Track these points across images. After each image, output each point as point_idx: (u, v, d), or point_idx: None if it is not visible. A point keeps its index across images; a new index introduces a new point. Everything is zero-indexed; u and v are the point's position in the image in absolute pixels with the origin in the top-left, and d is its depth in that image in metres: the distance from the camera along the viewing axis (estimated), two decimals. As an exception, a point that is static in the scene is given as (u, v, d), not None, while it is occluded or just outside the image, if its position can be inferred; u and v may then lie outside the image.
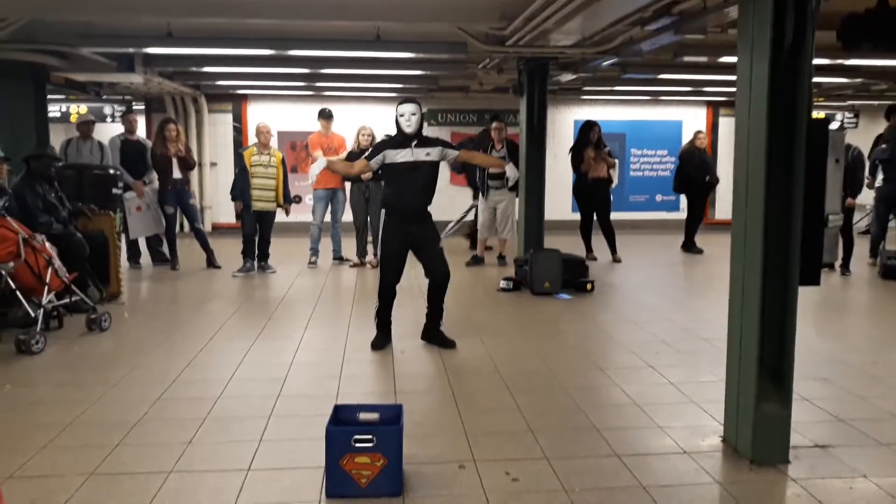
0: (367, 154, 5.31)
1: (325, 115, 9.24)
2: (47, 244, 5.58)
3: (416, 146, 5.13)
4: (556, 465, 3.33)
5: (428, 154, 5.15)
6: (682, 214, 13.09)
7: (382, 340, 5.28)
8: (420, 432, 3.68)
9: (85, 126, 8.82)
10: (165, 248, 9.12)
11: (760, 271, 3.26)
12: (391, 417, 3.23)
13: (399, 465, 3.03)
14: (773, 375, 3.36)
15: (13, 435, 3.61)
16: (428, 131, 12.28)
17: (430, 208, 5.28)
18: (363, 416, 3.25)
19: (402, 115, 5.12)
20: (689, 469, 3.32)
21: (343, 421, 3.20)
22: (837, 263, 8.05)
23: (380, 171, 5.40)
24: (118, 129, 9.47)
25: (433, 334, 5.36)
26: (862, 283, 8.03)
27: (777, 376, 3.36)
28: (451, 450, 3.50)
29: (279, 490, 3.08)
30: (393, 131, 5.26)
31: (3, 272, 5.22)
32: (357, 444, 2.97)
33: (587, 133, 9.54)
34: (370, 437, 2.98)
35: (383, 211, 5.24)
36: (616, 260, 9.69)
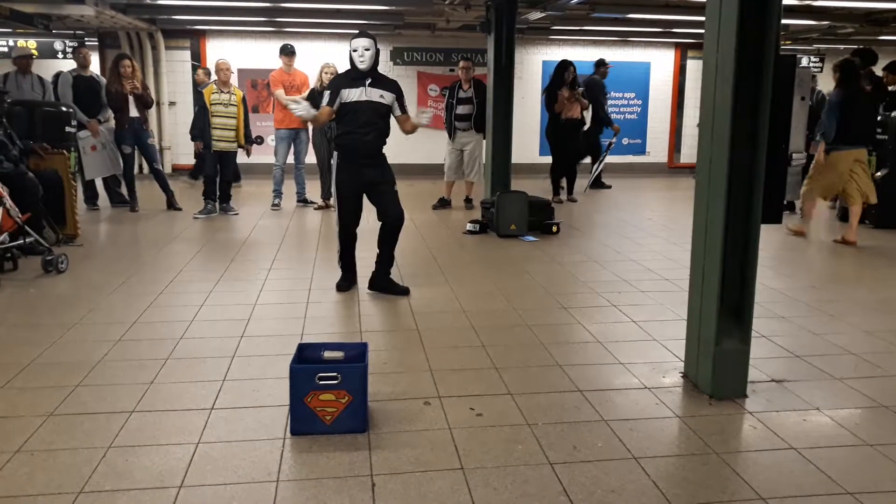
0: (326, 100, 5.01)
1: (287, 52, 8.98)
2: (-3, 183, 5.38)
3: (370, 85, 4.94)
4: (519, 400, 3.38)
5: (381, 97, 4.97)
6: (647, 158, 13.18)
7: (347, 282, 5.24)
8: (385, 370, 3.69)
9: (24, 60, 8.41)
10: (124, 189, 8.88)
11: (724, 208, 3.28)
12: (356, 355, 3.21)
13: (364, 401, 3.03)
14: (733, 312, 3.42)
15: (-32, 376, 3.53)
16: (393, 71, 12.16)
17: (385, 150, 5.10)
18: (328, 354, 3.24)
19: (355, 51, 4.91)
20: (649, 404, 3.38)
21: (307, 359, 3.18)
22: (798, 204, 8.17)
23: None
24: (70, 65, 9.07)
25: (383, 283, 5.16)
26: (821, 225, 8.18)
27: (738, 313, 3.42)
28: (416, 387, 3.52)
29: (243, 429, 3.07)
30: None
31: (-48, 212, 5.04)
32: (322, 382, 2.96)
33: (562, 73, 9.42)
34: (335, 374, 2.97)
35: (336, 153, 5.06)
36: (571, 200, 9.74)
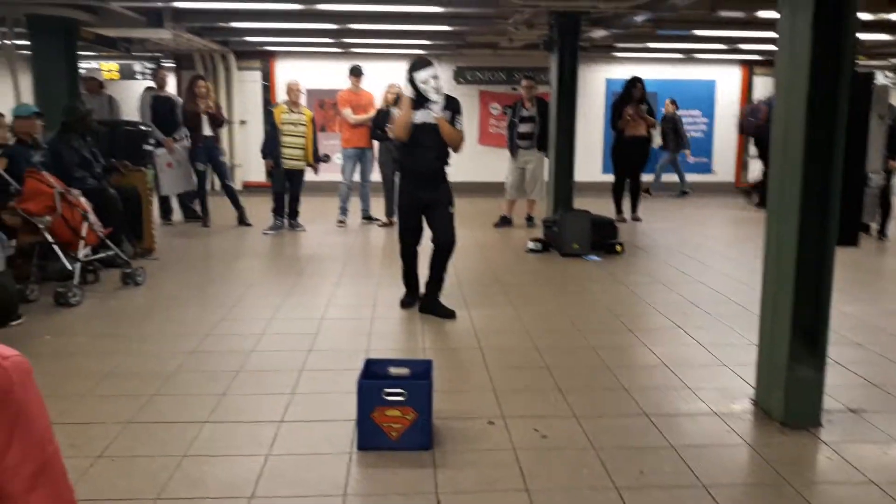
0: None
1: (356, 72, 9.17)
2: (82, 199, 5.65)
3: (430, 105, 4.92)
4: (584, 423, 3.35)
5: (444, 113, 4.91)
6: (713, 176, 12.91)
7: (410, 299, 5.29)
8: (449, 388, 3.71)
9: (92, 82, 8.86)
10: (197, 205, 9.21)
11: (797, 230, 3.20)
12: (422, 372, 3.25)
13: (429, 419, 3.07)
14: (806, 338, 3.32)
15: (54, 383, 3.70)
16: (456, 90, 12.26)
17: (446, 169, 5.09)
18: (394, 370, 3.29)
19: (424, 83, 4.79)
20: (719, 430, 3.31)
21: (374, 375, 3.23)
22: (874, 226, 7.87)
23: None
24: (145, 86, 9.53)
25: (431, 306, 5.10)
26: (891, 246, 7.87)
27: (811, 339, 3.32)
28: (480, 406, 3.53)
29: (311, 442, 3.13)
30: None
31: (41, 226, 5.32)
32: (388, 398, 3.00)
33: (630, 89, 9.32)
34: (401, 390, 3.01)
35: (398, 172, 5.11)
36: (636, 219, 9.60)
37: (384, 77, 9.51)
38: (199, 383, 3.79)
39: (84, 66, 12.11)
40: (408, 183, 5.07)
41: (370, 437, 3.04)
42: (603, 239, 7.36)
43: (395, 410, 3.01)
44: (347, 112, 9.06)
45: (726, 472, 2.96)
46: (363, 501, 2.67)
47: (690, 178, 12.88)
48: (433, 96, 4.81)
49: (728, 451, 3.13)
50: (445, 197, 5.05)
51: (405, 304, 5.26)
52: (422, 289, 5.20)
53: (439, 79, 4.91)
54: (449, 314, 5.06)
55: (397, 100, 8.59)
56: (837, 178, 3.13)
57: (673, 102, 11.90)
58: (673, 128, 11.86)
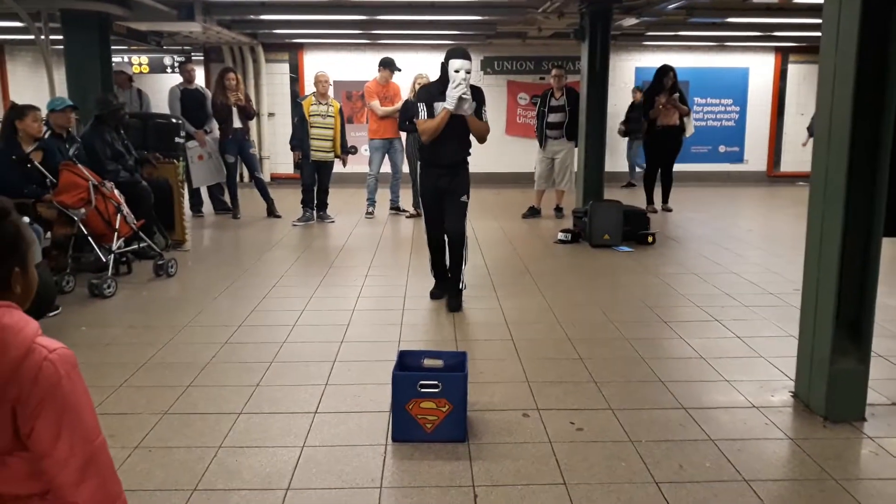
0: (424, 114, 4.91)
1: (387, 65, 9.12)
2: (116, 191, 5.71)
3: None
4: (620, 416, 3.30)
5: (466, 111, 4.82)
6: (745, 166, 12.71)
7: (440, 290, 5.26)
8: (482, 379, 3.68)
9: (120, 76, 8.93)
10: (227, 197, 9.27)
11: (842, 220, 3.11)
12: (456, 364, 3.23)
13: (464, 411, 3.04)
14: (850, 330, 3.24)
15: (91, 373, 3.74)
16: (483, 81, 12.20)
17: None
18: (427, 361, 3.27)
19: (457, 71, 4.71)
20: (758, 424, 3.24)
21: (408, 366, 3.22)
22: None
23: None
24: (178, 79, 9.57)
25: (449, 290, 5.09)
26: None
27: (855, 331, 3.24)
28: (514, 398, 3.50)
29: (346, 433, 3.13)
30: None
31: (76, 218, 5.38)
32: (423, 390, 2.99)
33: (661, 78, 9.17)
34: (436, 382, 2.99)
35: (419, 163, 5.07)
36: (666, 209, 9.48)
37: (412, 67, 9.47)
38: (233, 374, 3.81)
39: (115, 59, 12.26)
40: (429, 173, 5.04)
41: (405, 429, 3.02)
42: (634, 229, 7.28)
43: (430, 402, 2.99)
44: (375, 104, 9.04)
45: (768, 466, 2.90)
46: (400, 494, 2.66)
47: (722, 167, 12.70)
48: (461, 89, 4.71)
49: (769, 445, 3.07)
50: (461, 187, 5.00)
51: (434, 295, 5.24)
52: None
53: (471, 74, 4.83)
54: (453, 307, 4.99)
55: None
56: (885, 167, 3.03)
57: (639, 90, 11.61)
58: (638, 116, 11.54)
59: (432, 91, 4.99)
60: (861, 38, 2.97)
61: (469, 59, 4.82)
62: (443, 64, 4.85)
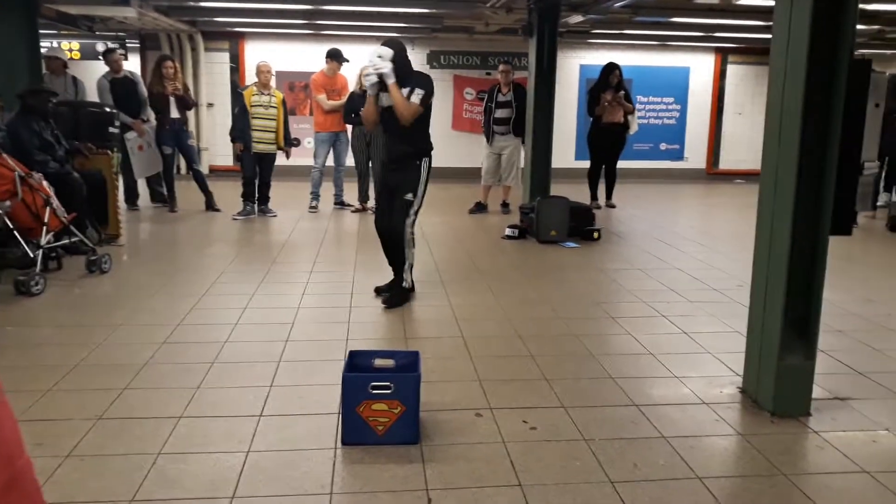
0: (419, 101, 4.72)
1: (335, 56, 8.93)
2: (44, 183, 5.41)
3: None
4: (573, 414, 3.28)
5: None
6: (685, 164, 12.96)
7: (387, 286, 5.16)
8: (433, 378, 3.61)
9: (53, 61, 8.48)
10: (165, 189, 8.94)
11: (791, 219, 3.14)
12: (408, 364, 3.14)
13: (417, 412, 2.96)
14: (798, 327, 3.28)
15: (17, 377, 3.51)
16: (430, 74, 12.09)
17: (424, 158, 4.90)
18: (378, 361, 3.17)
19: (370, 61, 4.71)
20: (709, 420, 3.26)
21: (358, 367, 3.12)
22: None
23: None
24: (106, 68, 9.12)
25: (387, 286, 5.06)
26: (867, 234, 7.94)
27: (802, 328, 3.28)
28: (466, 397, 3.43)
29: (293, 437, 3.01)
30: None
31: (0, 210, 5.07)
32: (374, 391, 2.89)
33: (607, 75, 9.26)
34: (388, 383, 2.90)
35: (426, 160, 4.94)
36: (610, 205, 9.60)
37: (358, 60, 9.29)
38: (172, 376, 3.63)
39: (44, 44, 11.67)
40: (382, 167, 4.99)
41: (355, 432, 2.92)
42: (580, 226, 7.32)
43: (382, 404, 2.90)
44: (322, 97, 8.85)
45: (720, 463, 2.91)
46: (351, 500, 2.56)
47: (663, 164, 12.93)
48: (367, 70, 4.70)
49: (720, 441, 3.09)
50: (407, 185, 4.84)
51: (378, 290, 5.11)
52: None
53: (383, 58, 4.64)
54: (386, 303, 4.89)
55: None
56: (832, 167, 3.07)
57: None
58: None
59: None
60: (812, 41, 3.00)
61: (391, 47, 4.71)
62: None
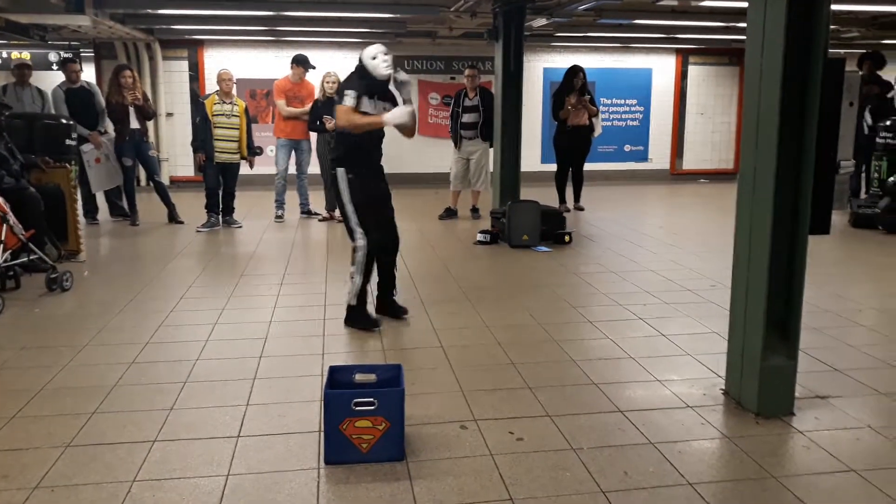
0: (352, 102, 4.42)
1: (301, 62, 8.78)
2: (0, 199, 5.19)
3: (379, 98, 4.52)
4: (559, 422, 3.23)
5: (385, 108, 4.52)
6: (649, 164, 13.07)
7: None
8: (415, 391, 3.53)
9: (20, 70, 8.22)
10: (125, 202, 8.70)
11: (770, 220, 3.14)
12: (390, 378, 3.06)
13: (401, 427, 2.88)
14: (779, 327, 3.29)
15: (-23, 405, 3.35)
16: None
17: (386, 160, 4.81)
18: (360, 377, 3.09)
19: (374, 58, 4.43)
20: (695, 424, 3.24)
21: (339, 383, 3.02)
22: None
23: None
24: (61, 77, 8.85)
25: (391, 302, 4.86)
26: (835, 231, 8.07)
27: (784, 328, 3.29)
28: (450, 409, 3.37)
29: (274, 457, 2.90)
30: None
31: (-47, 229, 4.86)
32: (357, 408, 2.80)
33: (571, 78, 9.27)
34: (371, 399, 2.82)
35: (342, 170, 4.49)
36: (578, 208, 9.63)
37: (320, 66, 9.18)
38: (143, 398, 3.49)
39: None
40: (366, 177, 4.57)
41: (339, 451, 2.83)
42: (552, 229, 7.30)
43: (366, 421, 2.82)
44: (281, 103, 8.71)
45: (709, 467, 2.89)
46: (339, 522, 2.47)
47: (627, 166, 13.03)
48: (387, 70, 4.45)
49: (707, 445, 3.07)
50: (389, 193, 4.80)
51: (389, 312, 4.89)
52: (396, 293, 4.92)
53: (389, 55, 4.49)
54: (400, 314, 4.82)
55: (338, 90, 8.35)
56: (810, 167, 3.08)
57: None
58: None
59: (367, 83, 4.48)
60: (787, 41, 3.00)
61: (375, 44, 4.59)
62: (359, 66, 4.55)
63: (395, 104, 4.54)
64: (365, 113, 4.45)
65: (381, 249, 4.65)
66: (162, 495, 2.62)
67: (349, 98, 4.42)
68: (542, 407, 3.40)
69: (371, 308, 4.75)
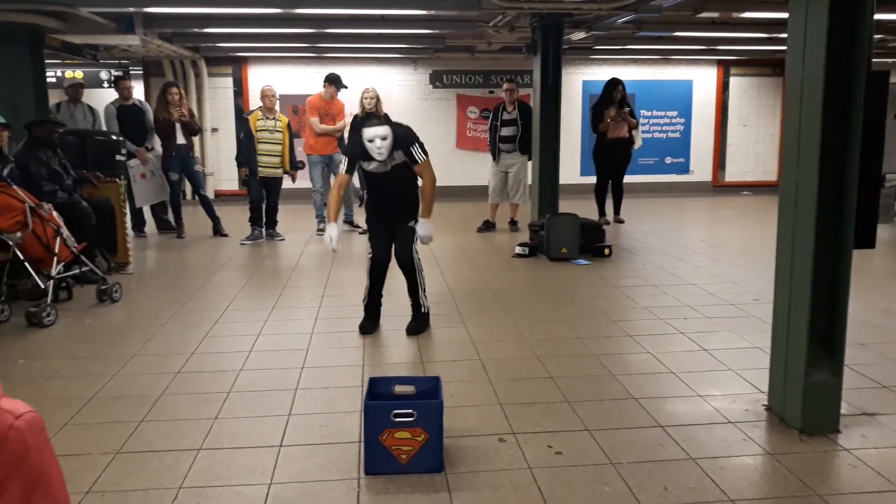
0: (345, 167, 4.60)
1: (333, 81, 8.94)
2: (54, 213, 5.39)
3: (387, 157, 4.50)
4: (598, 437, 3.22)
5: (394, 158, 4.50)
6: (691, 176, 12.93)
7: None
8: (453, 403, 3.55)
9: (74, 89, 8.54)
10: (171, 216, 8.93)
11: (813, 234, 3.10)
12: (429, 390, 3.10)
13: (440, 439, 2.91)
14: (823, 343, 3.23)
15: (32, 412, 3.46)
16: (432, 95, 12.13)
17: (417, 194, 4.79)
18: (399, 388, 3.13)
19: (371, 141, 4.37)
20: (736, 440, 3.20)
21: (379, 394, 3.07)
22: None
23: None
24: (114, 95, 9.16)
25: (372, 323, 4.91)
26: (882, 244, 7.87)
27: (828, 344, 3.23)
28: (489, 422, 3.38)
29: (315, 467, 2.95)
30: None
31: (11, 242, 5.05)
32: (397, 419, 2.84)
33: (611, 91, 9.27)
34: (410, 411, 2.85)
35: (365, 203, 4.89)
36: (619, 221, 9.57)
37: (359, 83, 9.32)
38: (189, 407, 3.58)
39: (48, 74, 11.72)
40: (376, 208, 4.88)
41: (378, 462, 2.87)
42: (591, 242, 7.28)
43: (405, 432, 2.85)
44: (314, 120, 8.82)
45: (751, 484, 2.85)
46: (378, 532, 2.50)
47: (669, 178, 12.90)
48: (378, 157, 4.44)
49: (749, 461, 3.03)
50: (410, 212, 4.80)
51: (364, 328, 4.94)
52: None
53: (387, 141, 4.38)
54: (409, 329, 4.81)
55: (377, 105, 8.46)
56: (853, 179, 3.04)
57: None
58: None
59: (356, 147, 4.58)
60: (828, 53, 2.97)
61: (380, 124, 4.47)
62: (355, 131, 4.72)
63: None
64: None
65: (379, 264, 4.81)
66: (206, 502, 2.69)
67: (424, 152, 4.57)
68: (580, 421, 3.39)
69: (375, 312, 4.92)
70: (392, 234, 4.78)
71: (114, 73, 12.52)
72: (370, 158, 4.49)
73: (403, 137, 4.50)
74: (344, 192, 4.75)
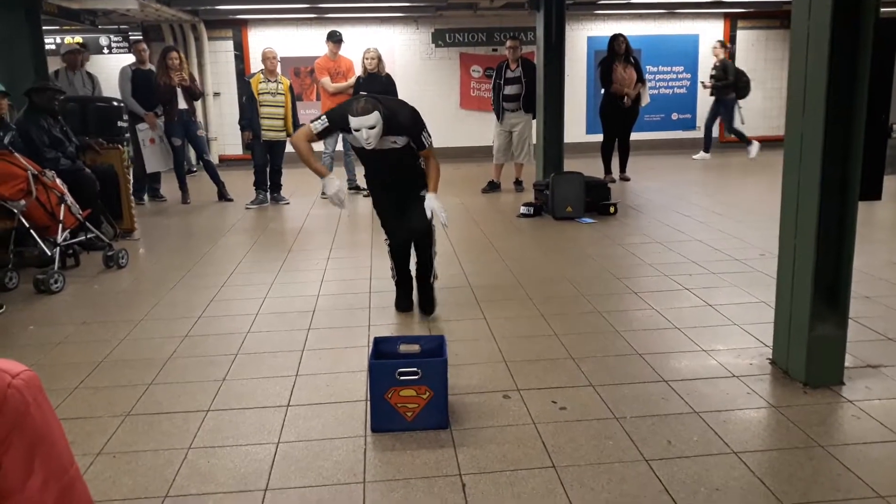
0: (324, 125, 4.13)
1: (334, 39, 8.84)
2: (58, 180, 5.39)
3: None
4: (602, 392, 3.24)
5: (395, 142, 4.08)
6: (697, 133, 12.79)
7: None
8: (458, 361, 3.58)
9: (71, 55, 8.47)
10: (162, 188, 8.88)
11: (818, 185, 3.07)
12: (434, 348, 3.12)
13: (445, 397, 2.93)
14: (828, 296, 3.22)
15: (42, 376, 3.44)
16: (434, 54, 11.96)
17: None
18: (404, 347, 3.15)
19: (357, 130, 3.90)
20: (740, 393, 3.22)
21: (384, 353, 3.09)
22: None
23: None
24: (115, 60, 9.08)
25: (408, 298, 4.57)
26: (889, 196, 7.78)
27: (833, 297, 3.22)
28: (493, 379, 3.41)
29: (322, 426, 2.99)
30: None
31: (16, 210, 5.06)
32: (402, 378, 2.87)
33: (612, 45, 9.15)
34: (415, 369, 2.88)
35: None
36: (624, 178, 9.51)
37: (362, 42, 9.22)
38: (197, 369, 3.62)
39: (47, 40, 11.61)
40: (377, 190, 4.56)
41: (384, 419, 2.90)
42: (596, 200, 7.24)
43: (410, 390, 2.88)
44: (326, 80, 8.78)
45: (754, 436, 2.87)
46: (385, 488, 2.54)
47: (675, 134, 12.77)
48: (367, 147, 4.01)
49: (753, 414, 3.05)
50: (418, 183, 4.35)
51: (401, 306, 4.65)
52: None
53: (375, 129, 3.88)
54: (425, 310, 4.46)
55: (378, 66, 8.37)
56: (860, 131, 2.99)
57: (722, 45, 11.25)
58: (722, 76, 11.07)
59: (337, 123, 4.09)
60: (835, 1, 2.91)
61: (369, 112, 3.86)
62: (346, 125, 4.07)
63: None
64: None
65: (398, 246, 4.48)
66: (216, 462, 2.73)
67: (430, 139, 4.19)
68: (585, 377, 3.41)
69: (409, 287, 4.55)
70: (403, 211, 4.39)
71: (112, 38, 12.39)
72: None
73: (410, 125, 4.08)
74: (308, 150, 4.23)
